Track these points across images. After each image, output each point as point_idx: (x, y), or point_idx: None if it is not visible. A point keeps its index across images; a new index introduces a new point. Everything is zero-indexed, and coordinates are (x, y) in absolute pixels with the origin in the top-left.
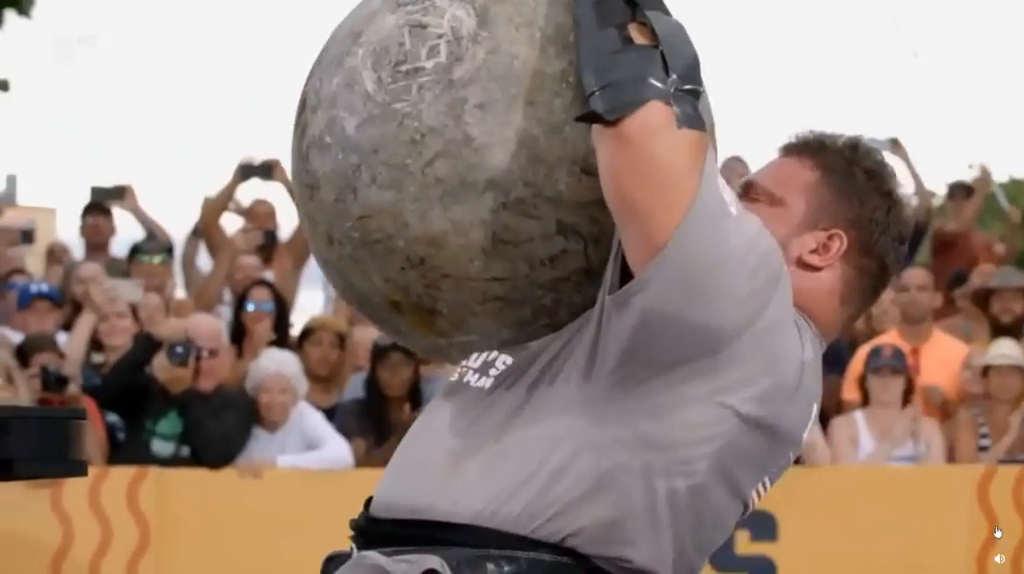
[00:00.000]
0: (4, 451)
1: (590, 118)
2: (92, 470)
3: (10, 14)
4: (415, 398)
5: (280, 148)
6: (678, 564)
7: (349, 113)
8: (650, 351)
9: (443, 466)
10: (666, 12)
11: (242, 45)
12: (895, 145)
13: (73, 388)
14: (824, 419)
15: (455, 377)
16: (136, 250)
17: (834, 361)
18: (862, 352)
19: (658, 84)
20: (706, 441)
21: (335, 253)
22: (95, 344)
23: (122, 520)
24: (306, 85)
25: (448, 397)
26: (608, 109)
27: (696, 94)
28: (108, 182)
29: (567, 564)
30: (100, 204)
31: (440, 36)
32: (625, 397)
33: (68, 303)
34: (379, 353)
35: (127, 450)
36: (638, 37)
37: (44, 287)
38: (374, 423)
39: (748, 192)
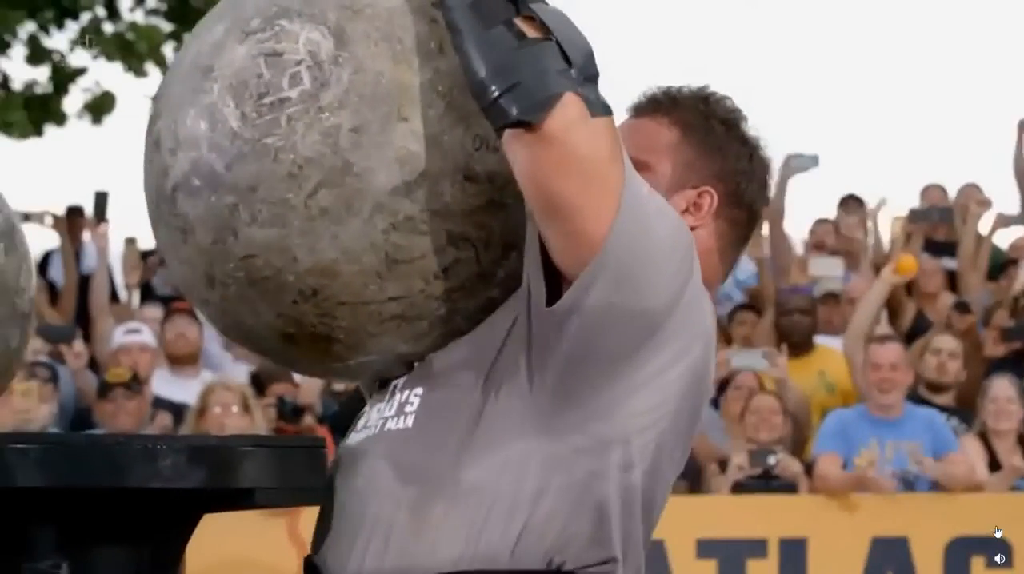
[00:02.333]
0: (244, 480)
1: (509, 123)
2: None
3: None
4: None
5: None
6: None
7: (216, 153)
8: (594, 350)
9: (406, 520)
10: (544, 1)
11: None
12: None
13: (309, 417)
14: None
15: (369, 429)
16: None
17: None
18: None
19: (566, 75)
20: (654, 425)
21: (217, 294)
22: None
23: None
24: (154, 125)
25: (369, 450)
26: (524, 109)
27: (596, 81)
28: None
29: None
30: None
31: (299, 62)
32: (572, 404)
33: None
34: None
35: None
36: (530, 31)
37: None
38: None
39: None
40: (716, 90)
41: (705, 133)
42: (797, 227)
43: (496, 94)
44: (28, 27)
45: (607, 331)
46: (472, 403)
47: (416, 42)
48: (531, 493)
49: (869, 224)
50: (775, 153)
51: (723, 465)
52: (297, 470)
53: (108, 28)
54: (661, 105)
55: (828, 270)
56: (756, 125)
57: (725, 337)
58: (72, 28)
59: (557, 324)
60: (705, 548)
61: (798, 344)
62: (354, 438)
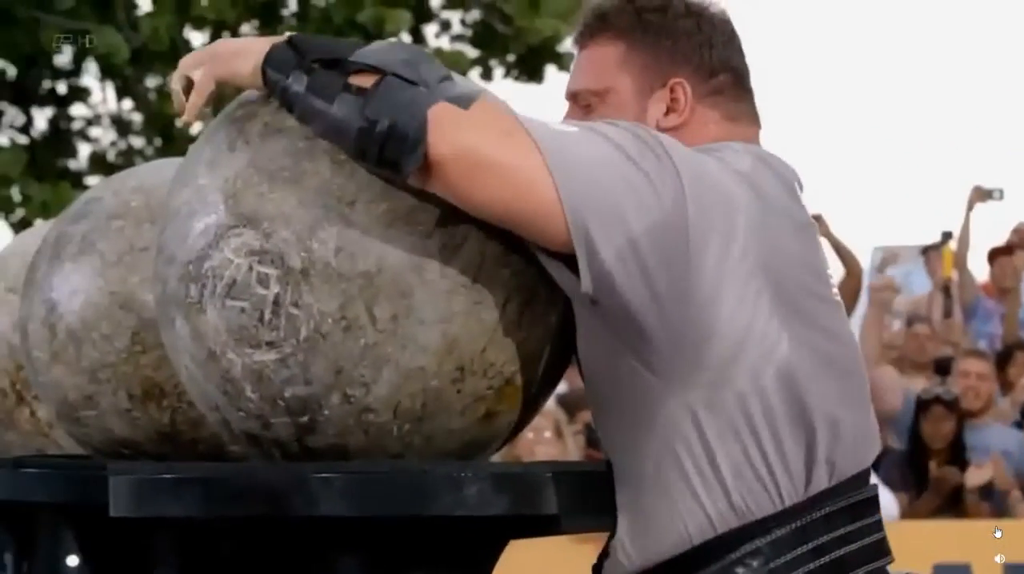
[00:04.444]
0: (549, 506)
1: (406, 173)
2: None
3: (551, 69)
4: (956, 451)
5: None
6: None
7: (303, 356)
8: (648, 294)
9: (628, 523)
10: (358, 44)
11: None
12: None
13: None
14: None
15: None
16: None
17: None
18: None
19: (420, 95)
20: (755, 305)
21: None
22: None
23: None
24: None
25: None
26: (406, 152)
27: (450, 78)
28: None
29: (803, 524)
30: None
31: (249, 269)
32: (677, 350)
33: None
34: (922, 406)
35: None
36: (367, 81)
37: None
38: (915, 476)
39: (577, 102)
40: None
41: (643, 31)
42: None
43: (376, 154)
44: None
45: (644, 269)
46: (614, 396)
47: (324, 144)
48: (702, 448)
49: None
50: None
51: None
52: (601, 496)
53: None
54: (595, 27)
55: None
56: None
57: None
58: None
59: (610, 298)
60: (1012, 572)
61: None
62: None
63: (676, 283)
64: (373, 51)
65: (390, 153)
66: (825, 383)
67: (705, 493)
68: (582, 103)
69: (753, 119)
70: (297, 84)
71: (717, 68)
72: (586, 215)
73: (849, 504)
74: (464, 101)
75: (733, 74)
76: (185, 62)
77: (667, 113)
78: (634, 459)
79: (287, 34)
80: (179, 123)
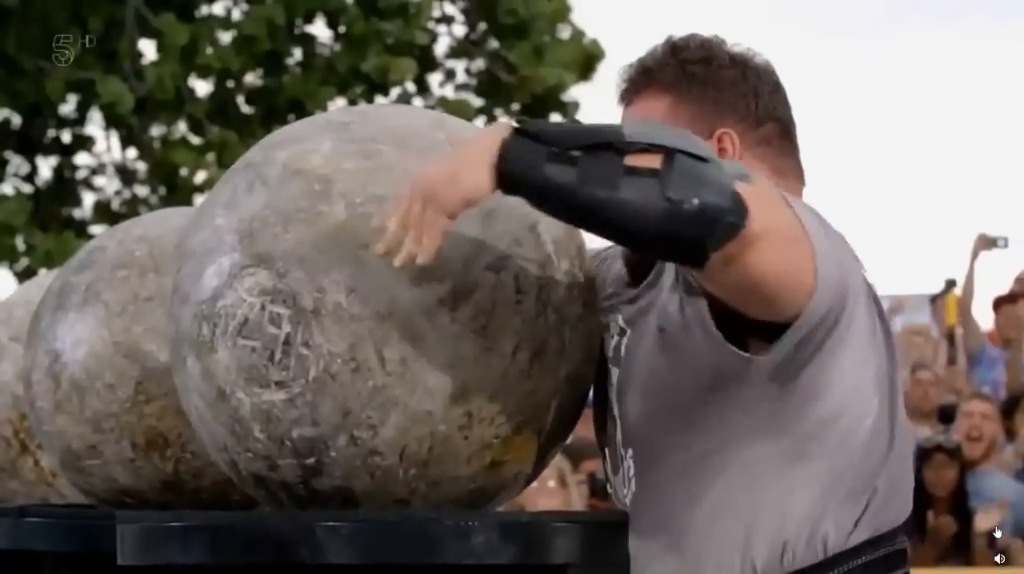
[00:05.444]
0: (556, 556)
1: (726, 239)
2: None
3: (555, 118)
4: (959, 499)
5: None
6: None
7: (305, 408)
8: (812, 352)
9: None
10: (604, 127)
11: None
12: None
13: None
14: None
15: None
16: None
17: None
18: None
19: (720, 170)
20: (863, 368)
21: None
22: None
23: None
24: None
25: (631, 528)
26: (734, 217)
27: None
28: None
29: (842, 572)
30: None
31: (262, 307)
32: (785, 397)
33: None
34: (923, 455)
35: None
36: (653, 161)
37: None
38: (917, 524)
39: None
40: (677, 35)
41: (689, 83)
42: None
43: (684, 234)
44: (339, 103)
45: (821, 335)
46: (686, 440)
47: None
48: (778, 497)
49: None
50: None
51: None
52: (608, 545)
53: (418, 103)
54: (640, 83)
55: None
56: (735, 41)
57: None
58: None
59: (785, 348)
60: None
61: None
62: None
63: (821, 344)
64: (635, 131)
65: (701, 232)
66: (896, 449)
67: (762, 543)
68: None
69: (799, 175)
70: (562, 175)
71: (763, 117)
72: (826, 291)
73: (885, 554)
74: (746, 175)
75: (780, 124)
76: (394, 219)
77: None
78: (689, 504)
79: (503, 127)
80: (419, 262)
